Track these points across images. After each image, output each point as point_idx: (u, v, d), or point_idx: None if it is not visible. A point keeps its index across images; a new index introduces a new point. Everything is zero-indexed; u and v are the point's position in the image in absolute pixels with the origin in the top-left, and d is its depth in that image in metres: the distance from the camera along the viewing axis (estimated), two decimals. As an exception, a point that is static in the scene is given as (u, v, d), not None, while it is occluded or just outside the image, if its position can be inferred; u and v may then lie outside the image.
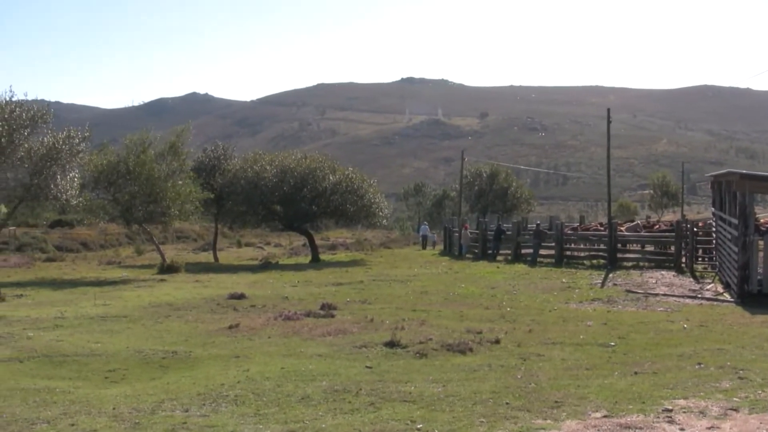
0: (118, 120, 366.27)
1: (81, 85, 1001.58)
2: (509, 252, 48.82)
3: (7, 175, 33.61)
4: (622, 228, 46.67)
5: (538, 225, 49.69)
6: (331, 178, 54.57)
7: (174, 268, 42.69)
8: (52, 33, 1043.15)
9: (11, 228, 62.67)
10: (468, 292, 30.79)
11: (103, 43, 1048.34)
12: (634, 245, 45.08)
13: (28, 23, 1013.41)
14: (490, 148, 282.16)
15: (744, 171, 30.46)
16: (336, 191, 54.18)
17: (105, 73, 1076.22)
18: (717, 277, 33.83)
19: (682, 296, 28.87)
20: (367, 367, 15.74)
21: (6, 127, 31.36)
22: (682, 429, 10.64)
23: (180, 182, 46.30)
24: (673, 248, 40.20)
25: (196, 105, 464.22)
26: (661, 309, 25.39)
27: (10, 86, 32.62)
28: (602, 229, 47.86)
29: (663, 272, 36.94)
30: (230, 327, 21.55)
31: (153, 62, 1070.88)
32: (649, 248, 43.83)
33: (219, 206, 55.59)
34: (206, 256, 58.58)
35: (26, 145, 32.41)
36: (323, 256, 55.85)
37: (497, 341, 18.34)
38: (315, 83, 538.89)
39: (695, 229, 40.23)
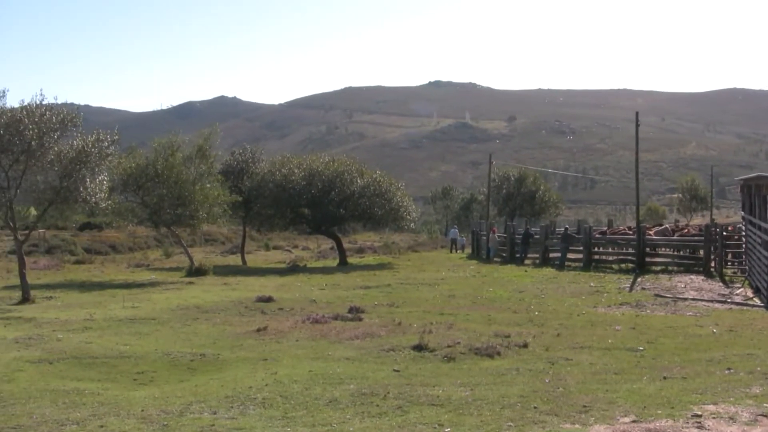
0: (146, 123, 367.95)
1: (110, 89, 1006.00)
2: (537, 256, 48.66)
3: (37, 178, 33.71)
4: (650, 232, 46.45)
5: (566, 229, 49.58)
6: (359, 181, 54.49)
7: (202, 271, 42.81)
8: (82, 37, 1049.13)
9: (41, 230, 63.03)
10: (496, 296, 30.72)
11: (132, 47, 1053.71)
12: (663, 249, 44.86)
13: (58, 27, 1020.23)
14: (518, 152, 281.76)
15: (774, 175, 30.22)
16: (364, 194, 54.08)
17: (134, 76, 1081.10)
18: (747, 282, 33.62)
19: (711, 301, 28.73)
20: (394, 370, 15.73)
21: (36, 130, 31.46)
22: (711, 434, 10.59)
23: (208, 185, 46.38)
24: (702, 252, 39.96)
25: (224, 108, 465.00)
26: (690, 313, 25.26)
27: (41, 90, 32.58)
28: (631, 233, 47.66)
29: (692, 276, 36.76)
30: (258, 330, 21.59)
31: (181, 66, 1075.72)
32: (678, 252, 43.59)
33: (247, 209, 55.65)
34: (234, 259, 58.67)
35: (56, 149, 32.49)
36: (351, 260, 55.83)
37: (525, 345, 18.29)
38: (343, 86, 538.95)
39: (724, 233, 39.95)
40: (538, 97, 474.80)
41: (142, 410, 12.64)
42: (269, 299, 29.10)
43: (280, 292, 32.72)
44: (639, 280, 36.03)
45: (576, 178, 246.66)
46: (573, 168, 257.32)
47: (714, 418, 11.35)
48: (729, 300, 28.91)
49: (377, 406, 12.55)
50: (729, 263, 39.95)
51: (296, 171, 54.43)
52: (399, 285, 35.86)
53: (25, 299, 31.08)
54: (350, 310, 25.06)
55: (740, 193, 40.99)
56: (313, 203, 53.75)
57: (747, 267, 35.03)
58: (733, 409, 11.84)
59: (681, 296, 29.77)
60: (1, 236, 68.53)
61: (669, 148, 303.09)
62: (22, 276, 32.32)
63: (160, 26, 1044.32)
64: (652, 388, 13.59)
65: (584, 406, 12.22)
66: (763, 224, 28.84)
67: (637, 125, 45.40)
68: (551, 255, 47.64)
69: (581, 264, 43.99)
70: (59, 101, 35.70)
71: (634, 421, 11.28)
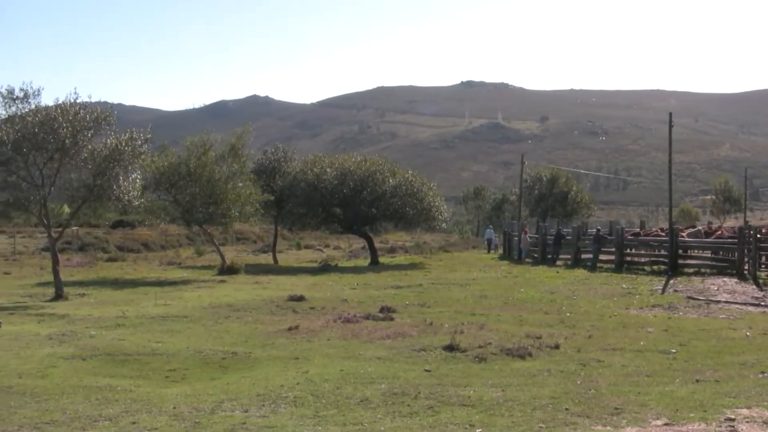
0: (179, 122, 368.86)
1: (143, 88, 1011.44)
2: (569, 257, 48.51)
3: (71, 176, 33.90)
4: (683, 234, 46.16)
5: (598, 230, 49.39)
6: (390, 181, 54.50)
7: (234, 270, 42.94)
8: (116, 36, 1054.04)
9: (74, 228, 63.33)
10: (527, 297, 30.62)
11: (166, 46, 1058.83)
12: (696, 251, 44.60)
13: (92, 26, 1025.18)
14: (550, 152, 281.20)
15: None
16: (396, 194, 54.07)
17: (167, 75, 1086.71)
18: (781, 285, 33.37)
19: (745, 304, 28.51)
20: (426, 370, 15.71)
21: (70, 128, 31.65)
22: (744, 438, 10.53)
23: (240, 184, 46.50)
24: (735, 255, 39.67)
25: (257, 107, 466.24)
26: (723, 316, 25.06)
27: (75, 88, 32.83)
28: (663, 234, 47.40)
29: (725, 279, 36.49)
30: (289, 329, 21.62)
31: (214, 65, 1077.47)
32: (711, 254, 43.33)
33: (279, 208, 55.79)
34: (266, 258, 58.82)
35: (90, 147, 32.68)
36: (382, 259, 55.87)
37: (557, 346, 18.22)
38: (375, 86, 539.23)
39: (759, 236, 39.63)
40: (571, 97, 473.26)
41: (174, 407, 12.70)
42: (301, 298, 29.14)
43: (312, 291, 32.76)
44: (671, 282, 35.80)
45: (608, 179, 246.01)
46: (605, 169, 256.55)
47: (747, 422, 11.28)
48: (763, 303, 28.66)
49: (408, 405, 12.54)
50: (763, 266, 39.63)
51: (328, 170, 54.51)
52: (430, 285, 35.83)
53: (59, 296, 31.29)
54: (381, 310, 25.05)
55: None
56: (345, 203, 53.79)
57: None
58: (767, 413, 11.76)
59: (714, 299, 29.56)
60: (35, 233, 69.07)
61: (702, 150, 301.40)
62: (56, 273, 32.54)
63: (193, 25, 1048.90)
64: (685, 391, 13.50)
65: (616, 409, 12.17)
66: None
67: (671, 126, 45.16)
68: (583, 256, 47.48)
69: (613, 265, 43.78)
70: (93, 100, 35.90)
71: (666, 424, 11.22)
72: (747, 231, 40.49)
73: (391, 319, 23.50)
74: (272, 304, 28.10)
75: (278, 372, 15.79)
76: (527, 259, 52.74)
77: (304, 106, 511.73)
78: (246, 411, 12.38)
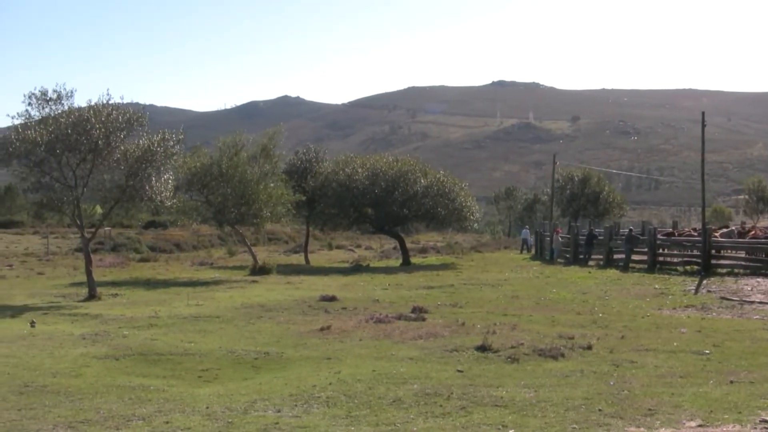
0: (210, 123, 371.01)
1: (174, 89, 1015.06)
2: (601, 257, 48.27)
3: (104, 177, 34.08)
4: (716, 234, 45.85)
5: (630, 230, 49.14)
6: (422, 181, 54.44)
7: (266, 270, 43.02)
8: (148, 37, 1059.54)
9: (107, 228, 63.84)
10: (559, 297, 30.51)
11: (196, 47, 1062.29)
12: (729, 251, 44.31)
13: (123, 28, 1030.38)
14: (581, 152, 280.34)
15: None
16: (427, 194, 54.02)
17: (198, 76, 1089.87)
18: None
19: (779, 304, 28.27)
20: (458, 371, 15.69)
21: (103, 129, 31.83)
22: (780, 440, 10.45)
23: (272, 184, 46.62)
24: (769, 255, 39.38)
25: (288, 108, 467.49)
26: (758, 317, 24.85)
27: (107, 90, 33.00)
28: (696, 234, 47.12)
29: (759, 279, 36.17)
30: (322, 329, 21.63)
31: (245, 66, 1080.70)
32: (745, 254, 43.02)
33: (310, 209, 55.88)
34: (297, 258, 58.94)
35: (122, 148, 32.85)
36: (414, 259, 55.82)
37: (589, 347, 18.12)
38: (406, 86, 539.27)
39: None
40: (602, 97, 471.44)
41: (207, 407, 12.74)
42: (332, 298, 29.16)
43: (344, 291, 32.78)
44: (704, 282, 35.54)
45: (640, 179, 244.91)
46: (637, 169, 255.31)
47: (783, 423, 11.20)
48: (797, 303, 28.43)
49: (441, 406, 12.53)
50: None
51: (360, 170, 54.53)
52: (462, 285, 35.77)
53: (92, 296, 31.48)
54: (413, 310, 25.03)
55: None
56: (377, 203, 53.80)
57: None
58: (803, 415, 11.67)
59: (747, 299, 29.31)
60: (68, 234, 69.71)
61: (735, 149, 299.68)
62: (89, 273, 32.74)
63: (224, 26, 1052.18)
64: (719, 392, 13.41)
65: (649, 410, 12.11)
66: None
67: (703, 125, 44.95)
68: (615, 256, 47.25)
69: (645, 266, 43.53)
70: (125, 101, 36.11)
71: (700, 426, 11.16)
72: (781, 231, 40.22)
73: (423, 319, 23.48)
74: (304, 304, 28.13)
75: (311, 372, 15.81)
76: (559, 260, 52.56)
77: (335, 106, 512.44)
78: (279, 411, 12.42)
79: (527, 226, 75.89)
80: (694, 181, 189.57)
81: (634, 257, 45.27)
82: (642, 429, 11.10)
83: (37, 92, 32.27)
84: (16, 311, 27.05)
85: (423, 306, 26.00)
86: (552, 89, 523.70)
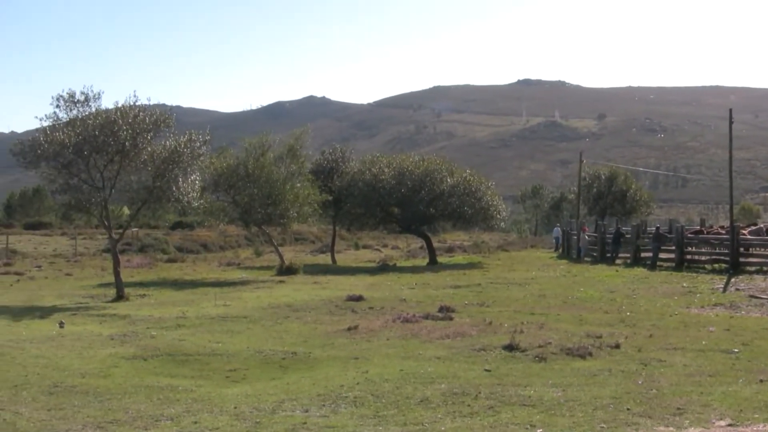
0: (236, 123, 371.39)
1: (200, 90, 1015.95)
2: (628, 255, 48.17)
3: (131, 178, 34.21)
4: (744, 231, 45.60)
5: (657, 228, 48.97)
6: (448, 180, 54.41)
7: (292, 270, 43.08)
8: (173, 38, 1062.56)
9: (134, 229, 64.09)
10: (587, 296, 30.41)
11: (222, 48, 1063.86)
12: (758, 249, 44.07)
13: (150, 30, 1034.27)
14: (608, 150, 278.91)
15: None
16: (454, 194, 53.98)
17: (224, 77, 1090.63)
18: None
19: (809, 302, 28.09)
20: (485, 370, 15.66)
21: (130, 131, 31.95)
22: (811, 440, 10.38)
23: (298, 185, 46.77)
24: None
25: (313, 108, 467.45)
26: (787, 315, 24.74)
27: (134, 91, 33.37)
28: (724, 232, 46.87)
29: (788, 277, 36.04)
30: (349, 329, 21.64)
31: (270, 66, 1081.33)
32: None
33: (337, 208, 55.97)
34: (324, 258, 59.04)
35: (149, 149, 32.96)
36: (440, 259, 55.82)
37: (617, 346, 18.05)
38: (431, 86, 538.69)
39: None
40: (628, 94, 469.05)
41: (235, 407, 12.78)
42: (359, 298, 29.16)
43: (370, 291, 32.79)
44: (733, 280, 35.36)
45: (667, 176, 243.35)
46: (664, 166, 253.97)
47: (814, 422, 11.12)
48: (827, 301, 28.24)
49: (469, 405, 12.52)
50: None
51: (386, 170, 54.56)
52: (489, 284, 35.73)
53: (120, 297, 31.62)
54: (440, 310, 25.00)
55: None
56: (403, 202, 53.82)
57: None
58: (834, 414, 11.60)
59: (777, 297, 29.18)
60: (95, 235, 70.05)
61: (763, 146, 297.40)
62: (117, 274, 32.88)
63: (249, 27, 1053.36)
64: (748, 391, 13.34)
65: (678, 409, 12.06)
66: None
67: (731, 123, 44.66)
68: (642, 255, 47.13)
69: (673, 264, 43.39)
70: (152, 102, 36.27)
71: (730, 425, 11.10)
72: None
73: (450, 318, 23.46)
74: (331, 304, 28.16)
75: (338, 372, 15.82)
76: (586, 258, 52.47)
77: (360, 106, 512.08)
78: (306, 411, 12.43)
79: (558, 224, 75.68)
80: (721, 179, 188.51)
81: (662, 255, 45.12)
82: (671, 428, 11.05)
83: (64, 94, 32.47)
84: (45, 312, 27.19)
85: (450, 305, 25.97)
86: (578, 87, 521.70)
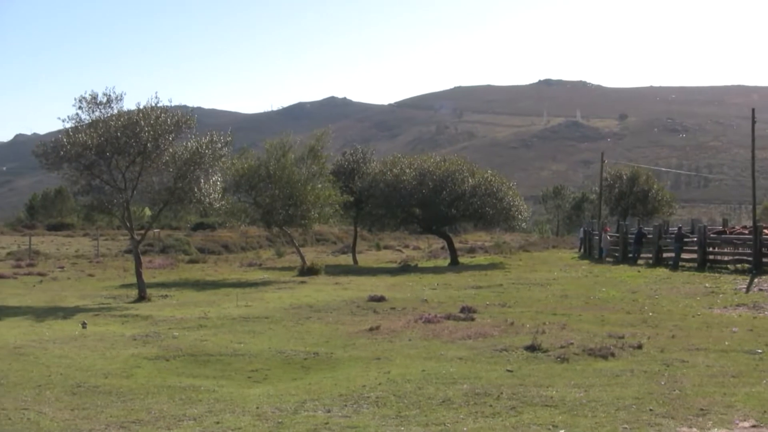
0: (257, 124, 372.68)
1: (221, 91, 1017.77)
2: (650, 256, 47.98)
3: (153, 179, 34.32)
4: (767, 231, 45.33)
5: (680, 228, 48.78)
6: (470, 180, 54.32)
7: (314, 271, 43.14)
8: (194, 40, 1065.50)
9: (156, 230, 64.29)
10: (609, 296, 30.33)
11: (243, 49, 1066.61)
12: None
13: (172, 32, 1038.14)
14: (629, 150, 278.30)
15: None
16: (475, 194, 53.89)
17: (244, 78, 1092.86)
18: None
19: (833, 302, 27.92)
20: (507, 370, 15.64)
21: (152, 132, 32.06)
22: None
23: (320, 186, 46.81)
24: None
25: (334, 109, 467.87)
26: (811, 315, 24.59)
27: (156, 92, 33.53)
28: (747, 232, 46.62)
29: (811, 277, 35.83)
30: (370, 329, 21.66)
31: (291, 67, 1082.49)
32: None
33: (358, 209, 55.98)
34: (345, 259, 59.03)
35: (171, 150, 33.07)
36: (462, 259, 55.72)
37: (640, 346, 17.99)
38: (452, 86, 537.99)
39: None
40: (650, 94, 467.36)
41: (257, 407, 12.80)
42: (381, 299, 29.19)
43: (392, 291, 32.79)
44: (756, 280, 35.17)
45: (689, 176, 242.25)
46: (686, 166, 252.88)
47: (839, 423, 11.06)
48: None
49: (491, 406, 12.50)
50: None
51: (407, 171, 54.51)
52: (511, 285, 35.67)
53: (142, 297, 31.73)
54: (462, 310, 25.00)
55: None
56: (424, 203, 53.76)
57: None
58: None
59: (800, 297, 29.01)
60: (117, 236, 70.39)
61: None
62: (139, 275, 32.99)
63: (269, 28, 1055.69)
64: (773, 392, 13.28)
65: (701, 410, 12.00)
66: None
67: (754, 122, 44.44)
68: (665, 255, 46.95)
69: (695, 264, 43.20)
70: (173, 103, 36.35)
71: (754, 426, 11.04)
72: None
73: (472, 319, 23.45)
74: (353, 304, 28.18)
75: (360, 372, 15.83)
76: (608, 259, 52.31)
77: (381, 106, 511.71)
78: (328, 411, 12.45)
79: (583, 224, 75.40)
80: (744, 179, 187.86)
81: (684, 256, 44.94)
82: (694, 429, 11.01)
83: (87, 96, 32.60)
84: (67, 312, 27.31)
85: (472, 306, 25.97)
86: (599, 87, 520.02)
